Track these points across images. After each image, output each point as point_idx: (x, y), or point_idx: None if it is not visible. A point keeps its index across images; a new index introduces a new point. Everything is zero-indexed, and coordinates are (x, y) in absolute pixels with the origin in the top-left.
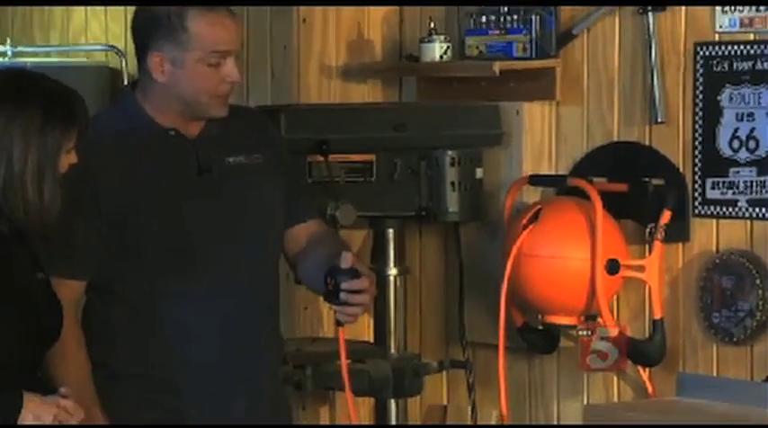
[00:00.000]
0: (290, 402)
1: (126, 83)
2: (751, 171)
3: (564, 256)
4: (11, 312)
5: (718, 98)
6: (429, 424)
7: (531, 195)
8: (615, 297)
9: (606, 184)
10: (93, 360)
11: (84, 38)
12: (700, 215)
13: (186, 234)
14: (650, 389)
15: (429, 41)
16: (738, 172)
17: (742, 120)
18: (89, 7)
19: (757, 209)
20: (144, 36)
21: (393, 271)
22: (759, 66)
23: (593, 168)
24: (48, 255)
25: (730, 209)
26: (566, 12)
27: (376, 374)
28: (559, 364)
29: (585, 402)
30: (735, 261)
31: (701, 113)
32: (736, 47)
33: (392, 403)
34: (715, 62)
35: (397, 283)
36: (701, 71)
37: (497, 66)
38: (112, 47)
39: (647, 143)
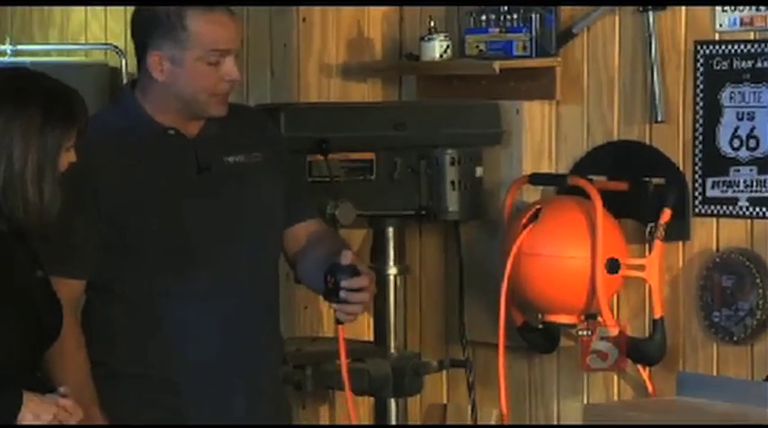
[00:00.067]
0: (289, 401)
1: (125, 82)
2: (751, 170)
3: (564, 255)
4: (11, 311)
5: (719, 97)
6: (429, 424)
7: (531, 194)
8: (615, 296)
9: (606, 183)
10: (92, 359)
11: (84, 37)
12: (700, 214)
13: (185, 233)
14: (650, 389)
15: (429, 40)
16: (739, 171)
17: (742, 119)
18: (89, 6)
19: (757, 208)
20: (143, 35)
21: (393, 270)
22: (759, 65)
23: (593, 167)
24: (47, 255)
25: (730, 208)
26: (566, 10)
27: (376, 373)
28: (559, 363)
29: (585, 401)
30: (735, 260)
31: (701, 112)
32: (736, 46)
33: (392, 402)
34: (715, 61)
35: (397, 282)
36: (701, 70)
37: (497, 65)
38: (112, 45)
39: (647, 142)
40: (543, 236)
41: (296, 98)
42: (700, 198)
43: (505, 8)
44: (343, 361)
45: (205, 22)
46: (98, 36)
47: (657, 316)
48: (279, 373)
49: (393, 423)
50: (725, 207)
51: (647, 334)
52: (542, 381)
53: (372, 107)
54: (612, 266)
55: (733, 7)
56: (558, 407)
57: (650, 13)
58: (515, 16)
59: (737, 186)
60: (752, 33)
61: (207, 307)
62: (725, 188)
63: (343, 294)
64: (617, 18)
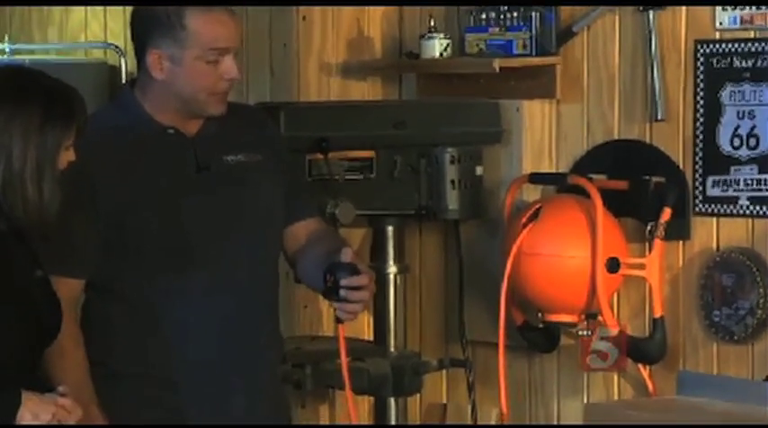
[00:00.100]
0: (289, 401)
1: (125, 81)
2: (752, 169)
3: (564, 255)
4: (10, 310)
5: (719, 96)
6: (429, 424)
7: (532, 193)
8: (615, 295)
9: (606, 182)
10: (92, 358)
11: (84, 35)
12: (700, 213)
13: (185, 232)
14: (651, 388)
15: (429, 38)
16: (739, 169)
17: (743, 117)
18: (88, 6)
19: (758, 207)
20: (142, 33)
21: (393, 270)
22: (759, 63)
23: (593, 166)
24: (46, 254)
25: (731, 207)
26: (566, 9)
27: (375, 372)
28: (559, 363)
29: (586, 400)
30: (735, 259)
31: (701, 111)
32: (736, 44)
33: (392, 401)
34: (715, 59)
35: (397, 281)
36: (701, 69)
37: (497, 64)
38: (111, 44)
39: (647, 141)
40: (543, 235)
41: (296, 97)
42: (700, 197)
43: (505, 7)
44: (344, 360)
45: (204, 20)
46: (97, 35)
47: (658, 315)
48: (278, 372)
49: (393, 422)
50: (725, 206)
51: (647, 334)
52: (542, 381)
53: (372, 106)
54: (613, 265)
55: (733, 6)
56: (559, 407)
57: (650, 12)
58: (515, 15)
59: (738, 185)
60: (752, 32)
61: (206, 305)
62: (725, 187)
63: (343, 293)
64: (617, 17)
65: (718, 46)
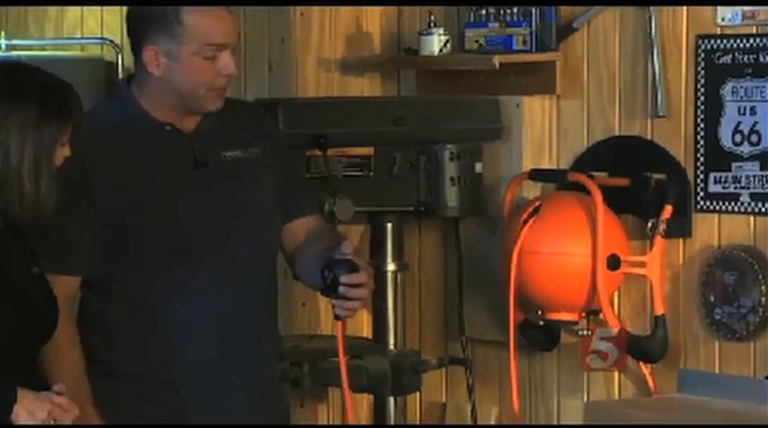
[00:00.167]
0: (288, 399)
1: (121, 76)
2: (753, 165)
3: (564, 252)
4: (7, 307)
5: (721, 92)
6: (428, 424)
7: (531, 190)
8: (616, 293)
9: (607, 179)
10: (90, 357)
11: (80, 31)
12: (701, 210)
13: (183, 229)
14: (651, 386)
15: (428, 34)
16: (741, 166)
17: (744, 113)
18: (84, 6)
19: (760, 204)
20: (139, 29)
21: (392, 267)
22: (761, 59)
23: (593, 163)
24: (43, 251)
25: (732, 204)
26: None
27: (374, 371)
28: (560, 361)
29: (586, 399)
30: (737, 256)
31: (702, 107)
32: (738, 40)
33: (391, 400)
34: (717, 55)
35: (396, 279)
36: (702, 64)
37: (497, 60)
38: (108, 40)
39: (648, 137)
40: (543, 232)
41: (294, 93)
42: (701, 194)
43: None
44: (342, 359)
45: (201, 16)
46: (94, 30)
47: (659, 313)
48: (277, 370)
49: (392, 421)
50: (727, 203)
51: (648, 332)
52: (543, 379)
53: (371, 102)
54: (613, 263)
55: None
56: (559, 405)
57: (651, 8)
58: (515, 10)
59: (739, 182)
60: (754, 27)
61: (205, 303)
62: (727, 184)
63: (342, 290)
64: (617, 12)
65: (719, 41)
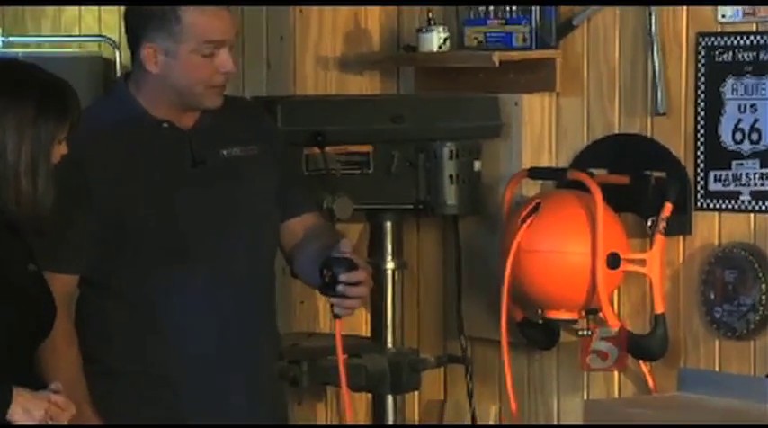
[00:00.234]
0: (286, 398)
1: (119, 74)
2: (754, 163)
3: (564, 251)
4: (4, 305)
5: (721, 89)
6: (428, 424)
7: (531, 188)
8: (616, 291)
9: (607, 177)
10: (88, 356)
11: (78, 28)
12: (702, 208)
13: (181, 227)
14: (651, 384)
15: (427, 31)
16: (741, 164)
17: (745, 111)
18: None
19: (760, 202)
20: (137, 27)
21: (390, 265)
22: (762, 56)
23: (593, 161)
24: (40, 249)
25: (733, 202)
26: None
27: (373, 369)
28: (559, 360)
29: (586, 397)
30: (737, 254)
31: (703, 105)
32: (738, 37)
33: (389, 398)
34: (717, 52)
35: (395, 277)
36: (703, 62)
37: (497, 57)
38: (106, 37)
39: (648, 135)
40: (543, 231)
41: (292, 91)
42: (701, 192)
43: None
44: (340, 357)
45: (199, 14)
46: (92, 28)
47: (659, 311)
48: (276, 369)
49: (390, 419)
50: (727, 201)
51: (648, 330)
52: (542, 378)
53: (370, 99)
54: (613, 261)
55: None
56: (559, 404)
57: (651, 5)
58: (515, 8)
59: (740, 180)
60: (754, 25)
61: (204, 301)
62: (727, 182)
63: (341, 288)
64: (617, 10)
65: (720, 39)
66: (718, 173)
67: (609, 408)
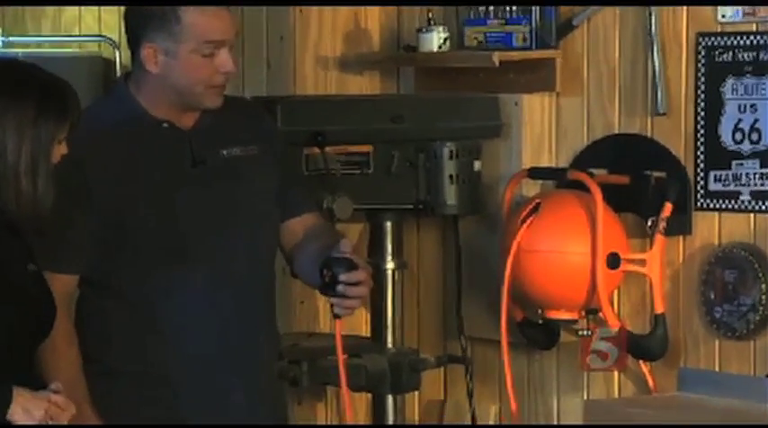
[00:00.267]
0: (286, 398)
1: (119, 74)
2: (754, 163)
3: (564, 250)
4: (4, 305)
5: (721, 89)
6: (427, 424)
7: (531, 188)
8: (616, 291)
9: (607, 177)
10: (88, 356)
11: (78, 28)
12: (702, 208)
13: (180, 227)
14: (651, 384)
15: (427, 31)
16: (741, 164)
17: (745, 111)
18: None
19: (760, 202)
20: (137, 27)
21: (390, 265)
22: (762, 56)
23: (593, 161)
24: (40, 249)
25: (733, 202)
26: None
27: (373, 369)
28: (559, 360)
29: (586, 397)
30: (737, 254)
31: (703, 105)
32: (738, 37)
33: (389, 398)
34: (717, 52)
35: (395, 277)
36: (703, 62)
37: (497, 57)
38: (106, 37)
39: (648, 135)
40: (543, 231)
41: (292, 91)
42: (701, 192)
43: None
44: (340, 357)
45: (199, 14)
46: (92, 28)
47: (659, 311)
48: (275, 369)
49: (390, 419)
50: (727, 201)
51: (648, 330)
52: (542, 377)
53: (370, 99)
54: (613, 261)
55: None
56: (558, 404)
57: (651, 5)
58: (515, 8)
59: (740, 180)
60: (754, 25)
61: (204, 301)
62: (727, 182)
63: (341, 288)
64: (617, 9)
65: (720, 39)
66: (718, 173)
67: (609, 408)
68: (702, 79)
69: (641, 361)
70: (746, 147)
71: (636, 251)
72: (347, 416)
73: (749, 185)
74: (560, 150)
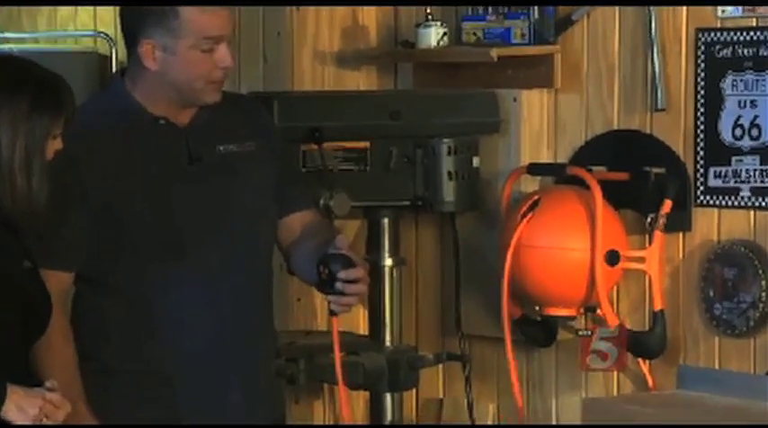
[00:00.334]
0: (284, 396)
1: (115, 69)
2: (754, 159)
3: (563, 247)
4: (0, 302)
5: (721, 85)
6: (425, 424)
7: (530, 184)
8: (615, 288)
9: (606, 173)
10: (84, 353)
11: (74, 24)
12: (701, 204)
13: (177, 223)
14: (650, 382)
15: (425, 27)
16: (741, 160)
17: (744, 107)
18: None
19: (760, 199)
20: (134, 24)
21: (388, 262)
22: (762, 52)
23: (592, 157)
24: (35, 246)
25: (732, 199)
26: None
27: (371, 367)
28: (558, 357)
29: (585, 395)
30: (737, 251)
31: (702, 101)
32: (738, 33)
33: (387, 396)
34: (717, 48)
35: (393, 274)
36: (702, 57)
37: (495, 53)
38: (102, 33)
39: (647, 131)
40: (542, 227)
41: (289, 86)
42: (701, 188)
43: None
44: (337, 355)
45: (197, 9)
46: (87, 24)
47: (658, 308)
48: (273, 367)
49: (388, 417)
50: (727, 197)
51: (647, 327)
52: (540, 375)
53: (367, 95)
54: (612, 258)
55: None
56: (557, 402)
57: (651, 5)
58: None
59: (740, 176)
60: (754, 20)
61: (201, 298)
62: (727, 178)
63: (339, 285)
64: (617, 5)
65: (719, 34)
66: (718, 169)
67: (607, 406)
68: (702, 75)
69: (640, 359)
70: (746, 143)
71: (635, 248)
72: (344, 415)
73: (749, 182)
74: (559, 146)
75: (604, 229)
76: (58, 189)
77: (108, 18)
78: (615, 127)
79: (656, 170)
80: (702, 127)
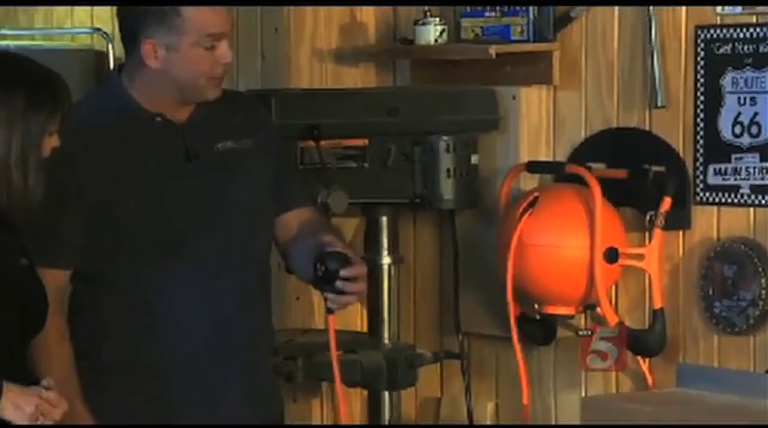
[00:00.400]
0: (282, 394)
1: (112, 66)
2: (753, 157)
3: (562, 245)
4: None
5: (720, 82)
6: (424, 424)
7: (528, 182)
8: (614, 286)
9: (605, 171)
10: (81, 351)
11: (70, 21)
12: (701, 202)
13: (174, 221)
14: (650, 380)
15: (423, 24)
16: (741, 158)
17: (744, 104)
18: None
19: (760, 196)
20: (135, 24)
21: (386, 260)
22: (762, 49)
23: (591, 154)
24: (32, 244)
25: (732, 196)
26: None
27: (368, 365)
28: (557, 355)
29: (584, 393)
30: (736, 249)
31: (702, 98)
32: (738, 30)
33: (385, 394)
34: (716, 45)
35: (391, 272)
36: (702, 55)
37: (494, 50)
38: (99, 30)
39: (647, 128)
40: (540, 225)
41: (287, 83)
42: (701, 185)
43: None
44: (334, 353)
45: (197, 8)
46: (84, 21)
47: (657, 306)
48: (271, 365)
49: (386, 415)
50: (726, 195)
51: (646, 325)
52: (539, 374)
53: (365, 92)
54: (611, 256)
55: None
56: (556, 400)
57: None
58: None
59: (739, 174)
60: (754, 17)
61: (198, 296)
62: (726, 175)
63: (339, 284)
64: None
65: (719, 31)
66: (718, 166)
67: (606, 404)
68: (701, 72)
69: (640, 357)
70: (746, 140)
71: (634, 245)
72: (342, 413)
73: (749, 179)
74: (558, 144)
75: (603, 227)
76: (55, 186)
77: (105, 15)
78: (614, 124)
79: (655, 167)
80: (702, 124)
